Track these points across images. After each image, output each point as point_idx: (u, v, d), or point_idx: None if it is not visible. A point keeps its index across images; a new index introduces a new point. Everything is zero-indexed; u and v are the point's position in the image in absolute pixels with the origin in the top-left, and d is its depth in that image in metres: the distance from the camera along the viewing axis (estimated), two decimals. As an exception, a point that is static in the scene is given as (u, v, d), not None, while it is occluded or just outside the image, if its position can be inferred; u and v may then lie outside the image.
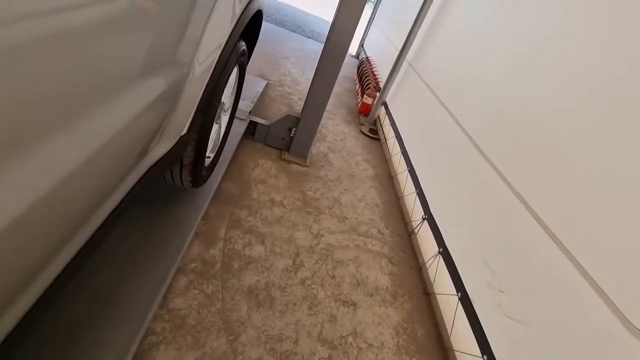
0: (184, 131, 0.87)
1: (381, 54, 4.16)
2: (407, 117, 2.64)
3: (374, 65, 4.10)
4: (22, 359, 0.77)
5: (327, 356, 1.22)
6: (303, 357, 1.18)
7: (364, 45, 5.75)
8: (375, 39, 4.97)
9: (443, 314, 1.49)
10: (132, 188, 0.69)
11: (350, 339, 1.31)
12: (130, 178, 0.66)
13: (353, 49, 5.87)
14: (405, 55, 2.82)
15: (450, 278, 1.51)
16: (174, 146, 0.84)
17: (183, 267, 1.27)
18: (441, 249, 1.63)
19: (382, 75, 3.61)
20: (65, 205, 0.49)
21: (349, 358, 1.24)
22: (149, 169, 0.74)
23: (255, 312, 1.25)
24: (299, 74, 3.82)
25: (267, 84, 2.99)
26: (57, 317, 0.87)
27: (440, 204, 1.82)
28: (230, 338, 1.14)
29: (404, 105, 2.79)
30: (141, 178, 0.72)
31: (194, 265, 1.30)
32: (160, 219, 1.27)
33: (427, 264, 1.71)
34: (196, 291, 1.22)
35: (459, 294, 1.42)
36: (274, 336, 1.21)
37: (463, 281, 1.44)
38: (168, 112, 0.76)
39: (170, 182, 1.26)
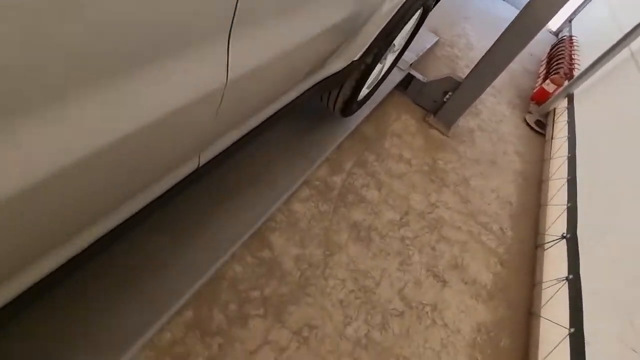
0: (357, 57, 0.93)
1: (594, 35, 3.30)
2: (596, 118, 2.13)
3: (575, 47, 3.31)
4: (155, 246, 0.94)
5: (401, 310, 1.26)
6: (380, 299, 1.26)
7: (572, 22, 4.61)
8: (595, 16, 3.92)
9: (540, 339, 1.33)
10: (305, 92, 0.80)
11: (427, 309, 1.31)
12: (309, 80, 0.77)
13: (554, 23, 4.78)
14: (631, 41, 2.17)
15: (568, 309, 1.30)
16: (344, 68, 0.91)
17: (309, 181, 1.45)
18: (571, 276, 1.39)
19: (583, 62, 2.91)
20: (267, 81, 0.62)
21: (420, 324, 1.26)
22: (321, 80, 0.84)
23: (352, 244, 1.36)
24: (475, 38, 3.40)
25: (437, 41, 2.79)
26: (209, 187, 1.10)
27: (594, 228, 1.50)
28: (326, 253, 1.29)
29: (597, 104, 2.24)
30: (313, 86, 0.83)
31: (317, 183, 1.47)
32: (306, 134, 1.45)
33: (545, 285, 1.50)
34: (312, 204, 1.39)
35: (572, 330, 1.22)
36: (361, 270, 1.31)
37: (584, 319, 1.22)
38: (351, 33, 0.83)
39: (325, 106, 1.39)
